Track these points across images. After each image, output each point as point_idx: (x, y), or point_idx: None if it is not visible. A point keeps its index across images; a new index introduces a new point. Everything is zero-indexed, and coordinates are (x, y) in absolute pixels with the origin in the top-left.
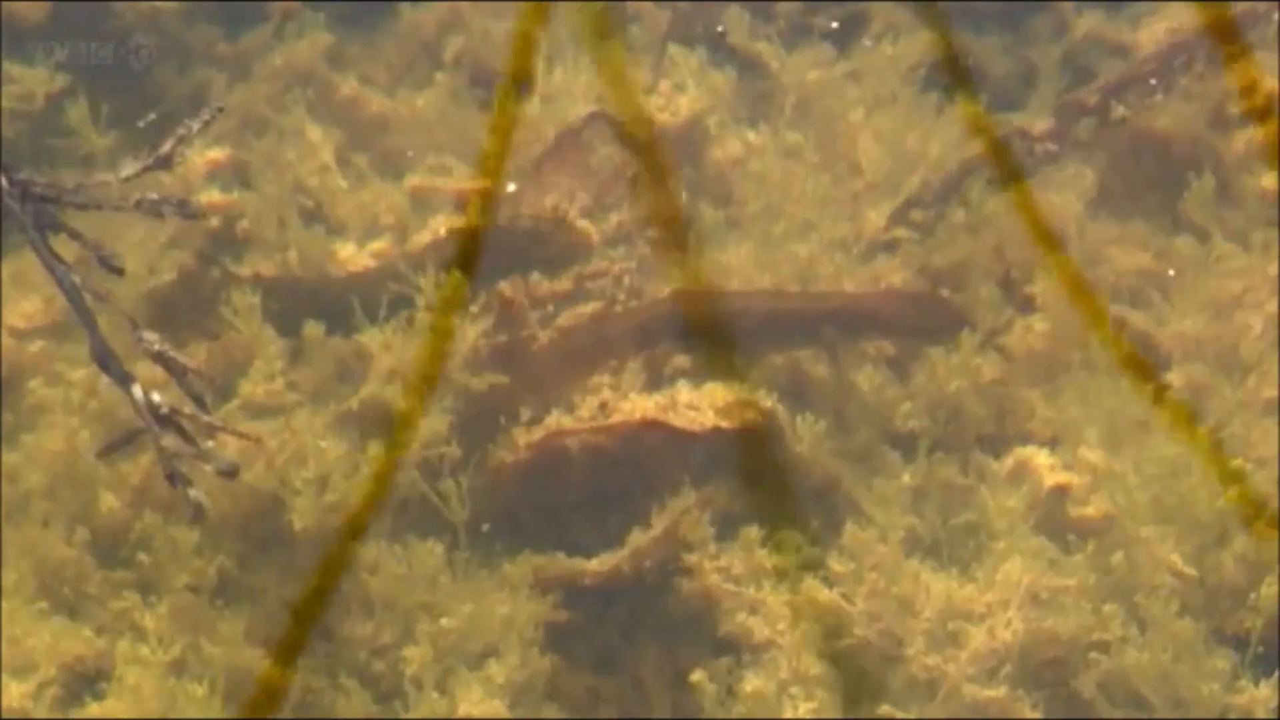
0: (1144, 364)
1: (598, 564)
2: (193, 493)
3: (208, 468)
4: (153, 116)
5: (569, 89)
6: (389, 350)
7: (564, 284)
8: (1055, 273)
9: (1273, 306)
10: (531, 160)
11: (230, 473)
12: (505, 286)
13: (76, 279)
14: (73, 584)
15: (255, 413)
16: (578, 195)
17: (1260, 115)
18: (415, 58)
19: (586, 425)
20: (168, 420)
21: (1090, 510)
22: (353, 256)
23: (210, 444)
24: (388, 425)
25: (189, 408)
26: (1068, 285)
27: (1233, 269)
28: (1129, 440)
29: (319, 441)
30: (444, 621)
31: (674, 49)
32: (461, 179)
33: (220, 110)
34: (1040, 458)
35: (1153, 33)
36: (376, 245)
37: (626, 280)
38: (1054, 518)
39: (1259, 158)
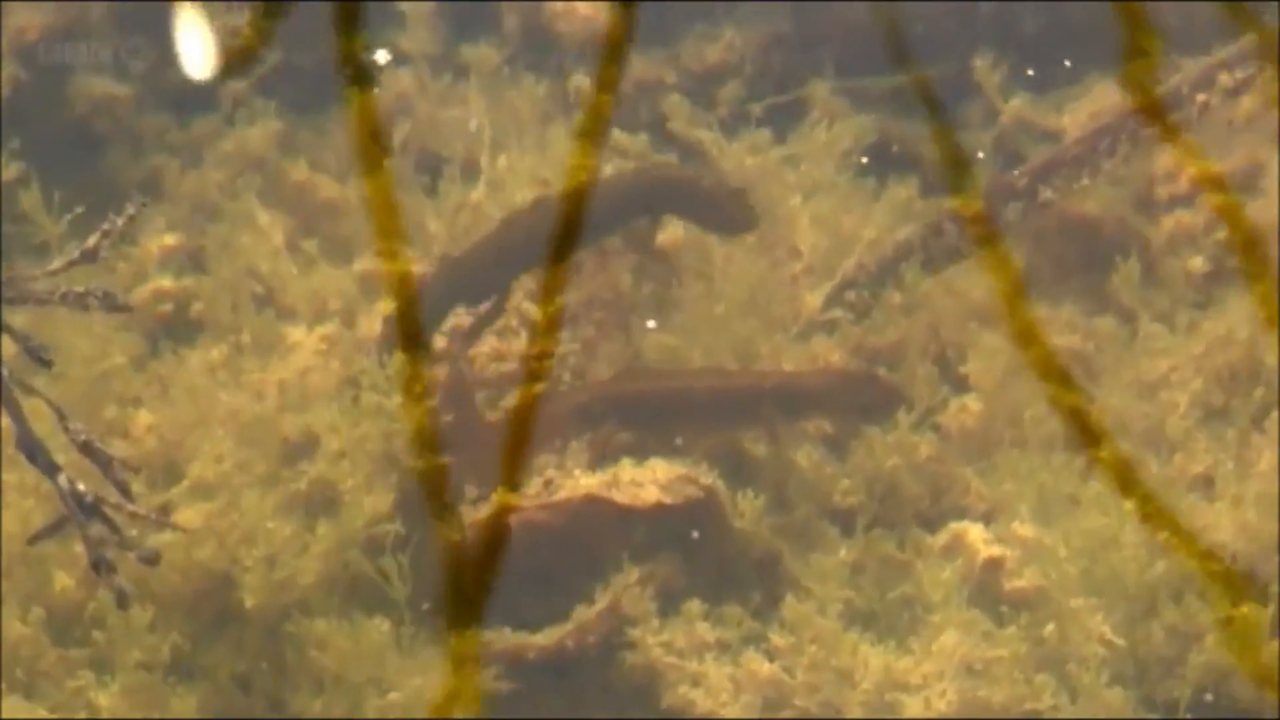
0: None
1: (543, 638)
2: (117, 579)
3: (131, 555)
4: (80, 209)
5: (515, 173)
6: (336, 432)
7: (510, 365)
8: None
9: (1198, 385)
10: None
11: (151, 560)
12: (452, 368)
13: (5, 371)
14: (27, 663)
15: (205, 493)
16: (522, 278)
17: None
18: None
19: (532, 503)
20: (93, 509)
21: (1023, 583)
22: (301, 341)
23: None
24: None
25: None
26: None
27: (1158, 349)
28: (1059, 515)
29: (267, 522)
30: (392, 696)
31: (618, 134)
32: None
33: (145, 204)
34: (974, 532)
35: (1077, 117)
36: (325, 329)
37: (571, 361)
38: (988, 590)
39: (1184, 241)
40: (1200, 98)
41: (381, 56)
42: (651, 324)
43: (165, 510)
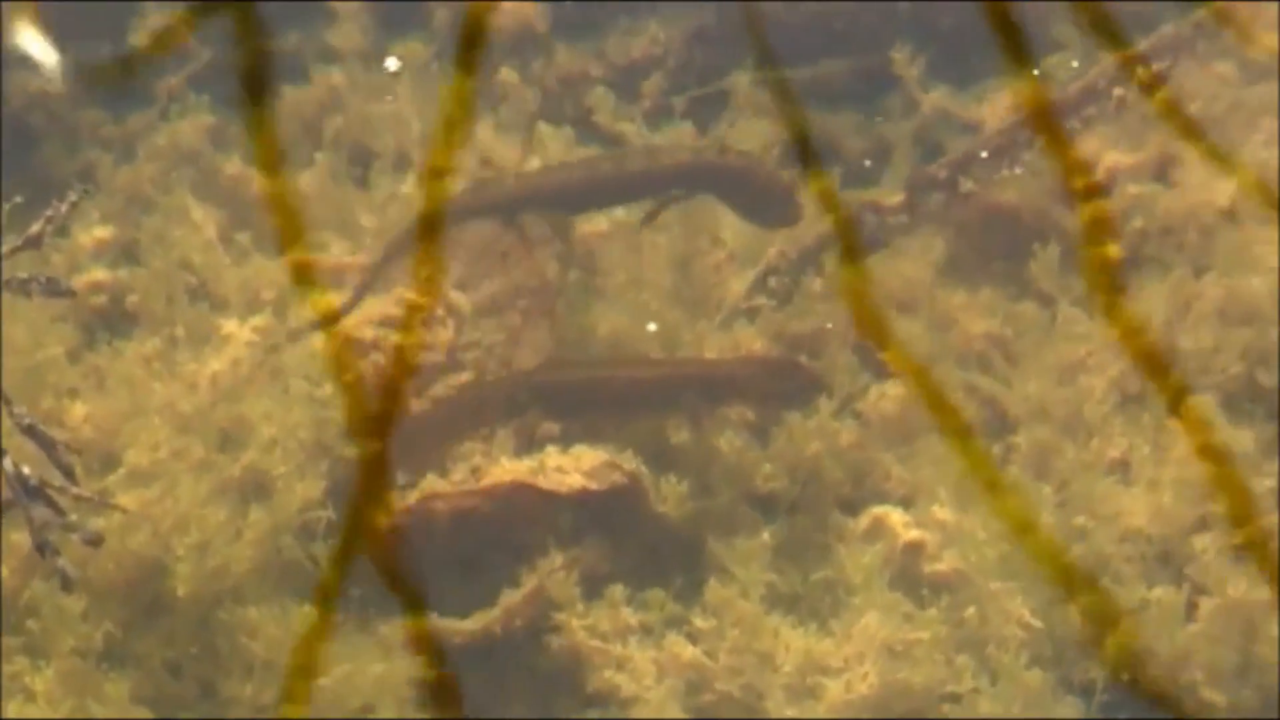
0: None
1: (470, 624)
2: (61, 562)
3: (74, 537)
4: (19, 199)
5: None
6: (268, 420)
7: (437, 355)
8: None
9: (1115, 370)
10: (406, 235)
11: (95, 542)
12: (381, 357)
13: None
14: None
15: (140, 481)
16: (451, 268)
17: (1092, 192)
18: (296, 138)
19: (459, 489)
20: (37, 492)
21: (942, 566)
22: (234, 332)
23: (74, 516)
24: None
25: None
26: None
27: (1077, 334)
28: (978, 499)
29: (200, 509)
30: (321, 681)
31: (543, 127)
32: (340, 254)
33: (87, 192)
34: (895, 516)
35: (996, 108)
36: (257, 320)
37: (497, 350)
38: (908, 574)
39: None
40: (1117, 91)
41: (392, 64)
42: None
43: (105, 495)
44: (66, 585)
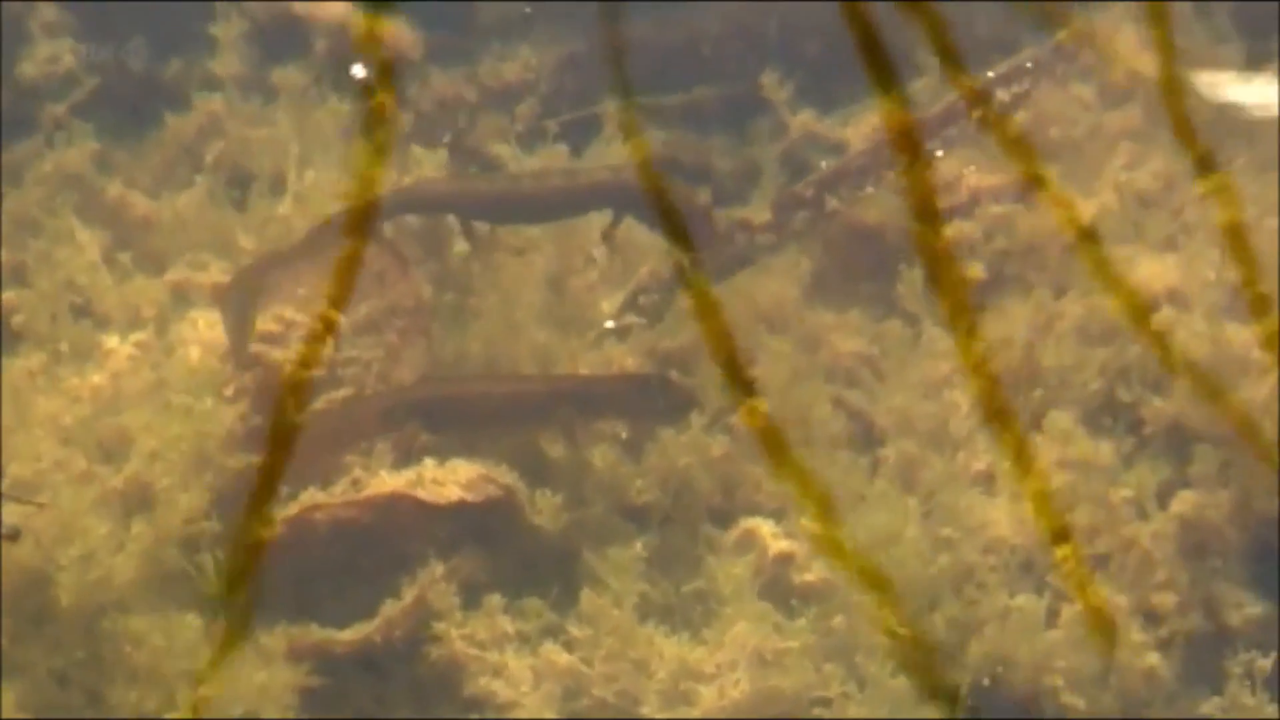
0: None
1: (351, 633)
2: None
3: None
4: None
5: (319, 188)
6: (150, 432)
7: (318, 370)
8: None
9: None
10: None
11: (12, 536)
12: (259, 372)
13: None
14: None
15: (24, 492)
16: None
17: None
18: (177, 162)
19: (339, 500)
20: None
21: (811, 576)
22: (116, 348)
23: None
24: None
25: None
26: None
27: (941, 351)
28: (846, 511)
29: (84, 520)
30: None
31: (418, 150)
32: (218, 273)
33: None
34: (765, 528)
35: (860, 130)
36: (139, 336)
37: (375, 366)
38: (778, 584)
39: (964, 249)
40: (977, 114)
41: (359, 71)
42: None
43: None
44: None
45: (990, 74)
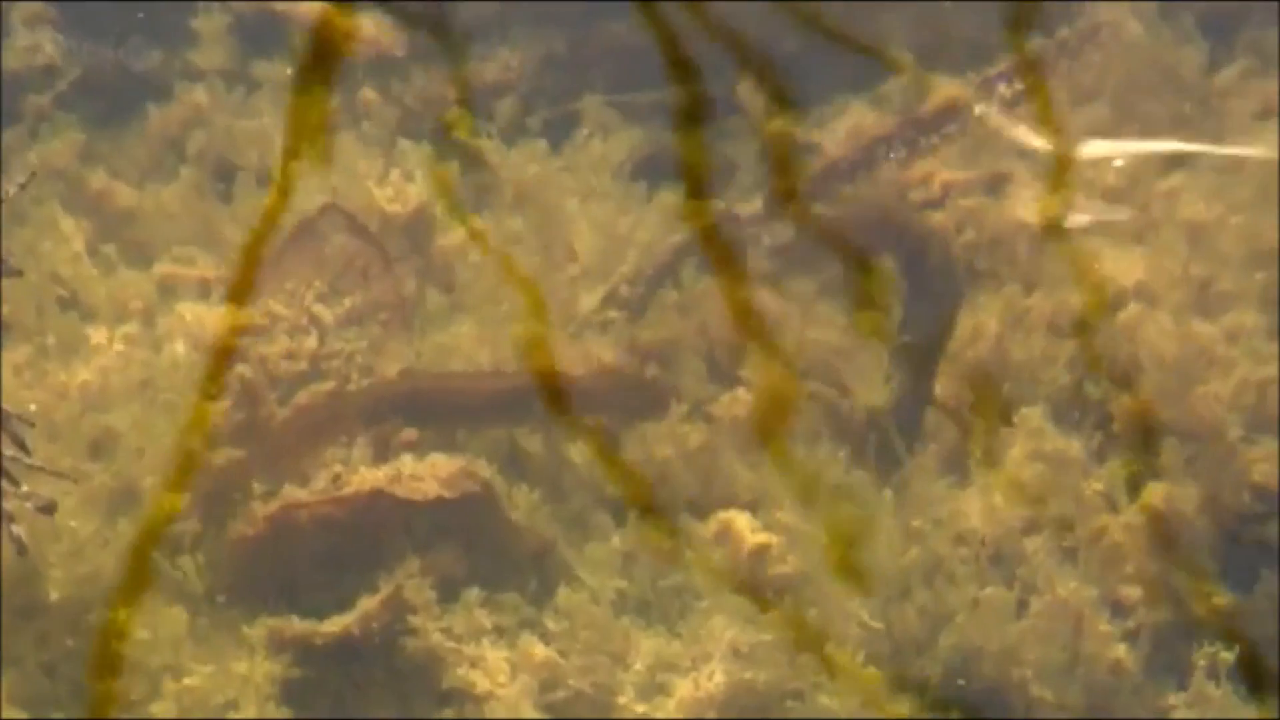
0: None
1: (329, 625)
2: (17, 530)
3: (29, 505)
4: None
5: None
6: (135, 429)
7: (301, 364)
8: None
9: (951, 379)
10: (270, 250)
11: (49, 510)
12: (244, 368)
13: None
14: None
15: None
16: (313, 282)
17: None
18: (161, 154)
19: (319, 498)
20: None
21: (786, 568)
22: (103, 342)
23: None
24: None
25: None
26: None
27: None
28: (823, 502)
29: (70, 520)
30: (187, 680)
31: (403, 143)
32: (205, 266)
33: (34, 175)
34: (741, 520)
35: (835, 132)
36: (125, 329)
37: (358, 359)
38: (754, 576)
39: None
40: (978, 109)
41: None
42: None
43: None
44: (21, 551)
45: (991, 70)
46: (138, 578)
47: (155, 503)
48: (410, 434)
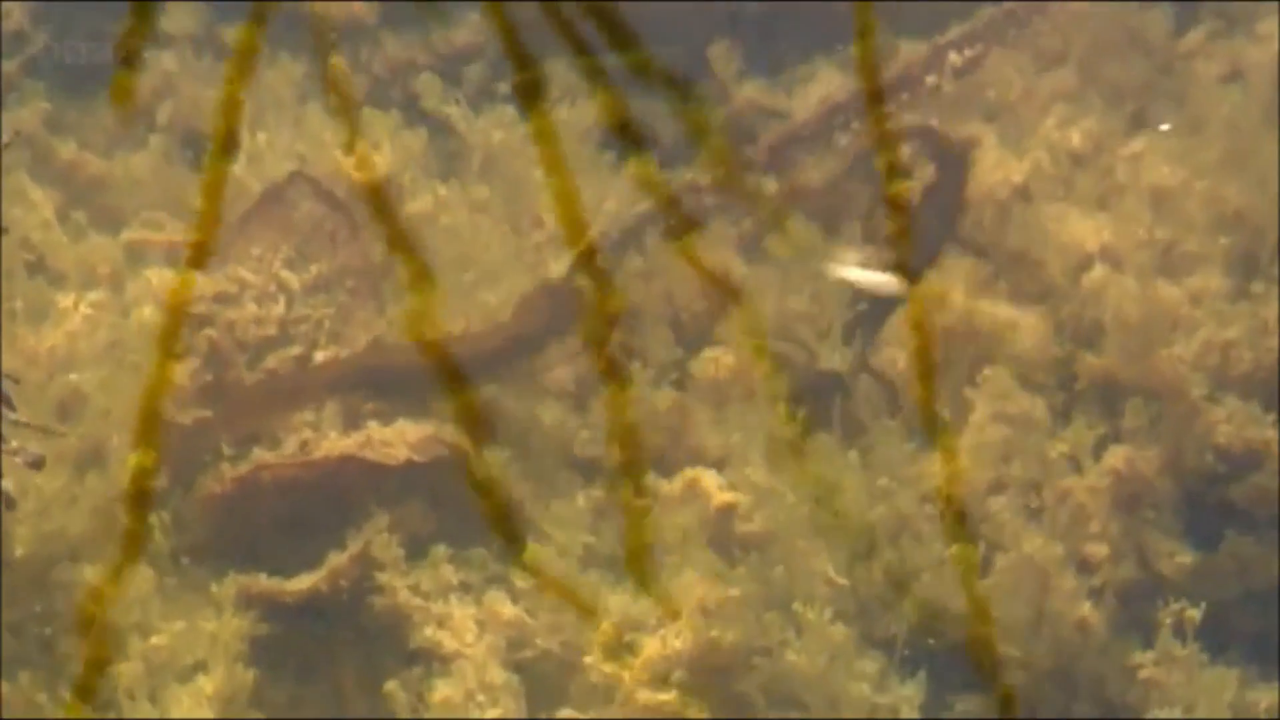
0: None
1: (297, 583)
2: (5, 483)
3: (17, 460)
4: None
5: (272, 149)
6: (103, 390)
7: (269, 329)
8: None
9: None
10: (238, 216)
11: (37, 465)
12: (212, 331)
13: None
14: None
15: None
16: (281, 248)
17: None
18: (130, 121)
19: (287, 460)
20: None
21: (754, 526)
22: (71, 307)
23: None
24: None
25: None
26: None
27: None
28: (786, 461)
29: (36, 479)
30: (155, 640)
31: (370, 112)
32: (174, 232)
33: (17, 134)
34: (709, 478)
35: (806, 99)
36: (94, 295)
37: (326, 325)
38: (721, 534)
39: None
40: (930, 79)
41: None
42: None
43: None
44: (10, 505)
45: (942, 39)
46: (131, 541)
47: (132, 462)
48: (378, 400)
